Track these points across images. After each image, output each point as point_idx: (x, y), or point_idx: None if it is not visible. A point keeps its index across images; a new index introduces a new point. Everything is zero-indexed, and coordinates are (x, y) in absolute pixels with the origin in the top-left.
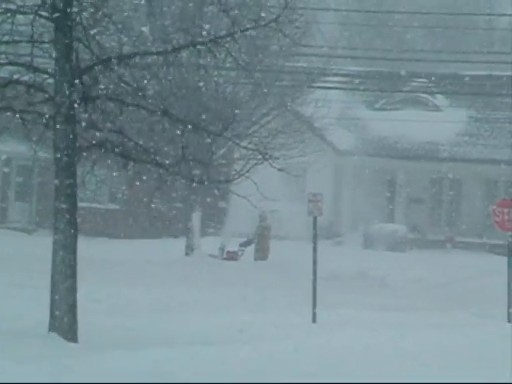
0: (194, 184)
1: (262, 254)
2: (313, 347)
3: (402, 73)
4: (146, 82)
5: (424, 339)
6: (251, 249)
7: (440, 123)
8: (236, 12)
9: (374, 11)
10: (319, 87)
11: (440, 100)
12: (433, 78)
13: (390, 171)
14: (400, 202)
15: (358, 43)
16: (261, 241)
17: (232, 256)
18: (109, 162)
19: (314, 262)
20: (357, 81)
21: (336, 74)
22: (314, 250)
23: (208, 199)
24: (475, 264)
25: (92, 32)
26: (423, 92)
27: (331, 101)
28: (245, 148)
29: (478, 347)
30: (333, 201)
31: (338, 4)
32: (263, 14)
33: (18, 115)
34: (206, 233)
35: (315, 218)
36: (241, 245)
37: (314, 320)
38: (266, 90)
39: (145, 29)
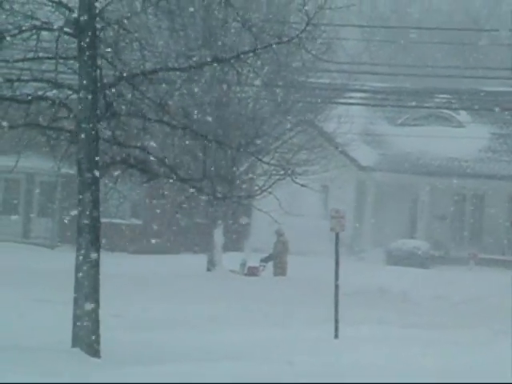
0: (217, 200)
1: (280, 269)
2: (334, 363)
3: (425, 89)
4: (168, 97)
5: (446, 356)
6: (271, 264)
7: (463, 139)
8: (259, 28)
9: (396, 27)
10: (342, 103)
11: (463, 116)
12: (455, 95)
13: (413, 187)
14: (422, 218)
15: (380, 59)
16: (279, 256)
17: (253, 271)
18: (131, 177)
19: (336, 278)
20: (379, 96)
21: (358, 90)
22: (336, 265)
23: (230, 215)
24: (498, 281)
25: (115, 48)
26: (446, 108)
27: (354, 116)
28: (267, 164)
29: (499, 364)
30: (355, 216)
31: (361, 20)
32: (286, 31)
33: (41, 131)
34: (227, 248)
35: (337, 234)
36: (262, 260)
37: (336, 336)
38: (288, 106)
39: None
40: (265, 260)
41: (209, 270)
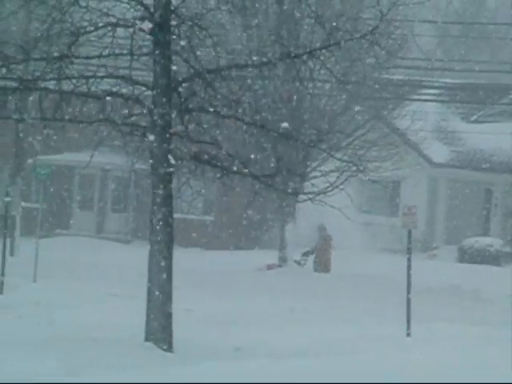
0: (288, 195)
1: (322, 266)
2: (408, 361)
3: (499, 85)
4: (241, 94)
5: None
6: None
7: None
8: (332, 24)
9: (470, 23)
10: (415, 99)
11: None
12: None
13: (486, 184)
14: (496, 215)
15: (454, 55)
16: (320, 252)
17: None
18: (204, 173)
19: (409, 276)
20: (453, 93)
21: (432, 87)
22: (409, 262)
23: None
24: None
25: (189, 45)
26: None
27: (427, 113)
28: (339, 160)
29: None
30: (427, 214)
31: (435, 16)
32: (359, 27)
33: (116, 127)
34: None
35: (410, 231)
36: (303, 254)
37: (408, 334)
38: (360, 103)
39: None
40: (306, 254)
41: (280, 266)
